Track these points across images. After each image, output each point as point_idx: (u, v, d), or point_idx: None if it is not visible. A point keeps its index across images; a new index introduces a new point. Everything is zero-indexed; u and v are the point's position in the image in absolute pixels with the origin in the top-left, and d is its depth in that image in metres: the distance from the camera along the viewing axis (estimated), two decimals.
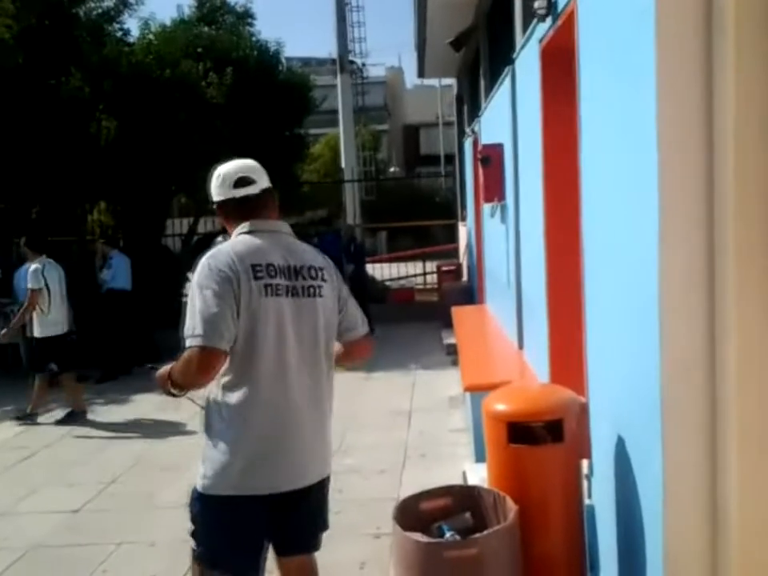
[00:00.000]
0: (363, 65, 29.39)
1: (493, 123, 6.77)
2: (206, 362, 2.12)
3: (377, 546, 3.97)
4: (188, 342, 2.13)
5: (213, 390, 2.28)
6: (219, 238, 12.20)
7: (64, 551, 4.12)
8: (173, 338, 11.32)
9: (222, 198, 2.40)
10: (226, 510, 2.25)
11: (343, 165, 15.22)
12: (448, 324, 8.66)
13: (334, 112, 15.66)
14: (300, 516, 2.40)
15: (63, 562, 4.01)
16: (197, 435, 7.02)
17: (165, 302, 11.31)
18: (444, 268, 12.14)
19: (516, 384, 3.91)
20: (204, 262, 2.24)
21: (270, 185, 2.46)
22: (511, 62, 5.30)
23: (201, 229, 14.14)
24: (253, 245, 2.28)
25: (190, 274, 2.31)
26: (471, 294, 10.26)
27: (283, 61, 13.29)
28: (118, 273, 9.42)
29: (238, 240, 2.32)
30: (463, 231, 12.73)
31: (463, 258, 12.53)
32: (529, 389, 3.30)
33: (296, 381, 2.27)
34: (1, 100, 9.28)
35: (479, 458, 4.33)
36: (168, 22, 12.26)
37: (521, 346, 5.42)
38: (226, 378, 2.24)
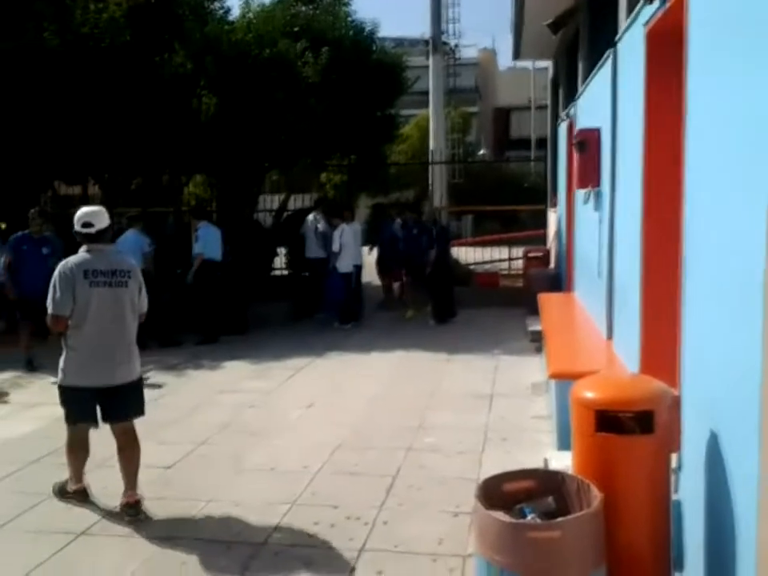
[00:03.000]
0: (456, 46, 29.11)
1: (591, 107, 6.62)
2: (53, 321, 4.16)
3: (455, 523, 4.02)
4: (48, 310, 4.15)
5: (67, 331, 4.20)
6: (310, 216, 12.39)
7: (157, 503, 4.36)
8: (262, 310, 11.62)
9: (76, 229, 4.28)
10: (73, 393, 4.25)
11: (432, 146, 15.15)
12: (533, 311, 8.55)
13: (425, 93, 15.54)
14: (117, 401, 4.27)
15: (156, 514, 4.25)
16: (283, 402, 7.21)
17: (255, 275, 11.61)
18: (531, 254, 11.92)
19: (606, 372, 3.85)
20: (59, 267, 4.17)
21: (106, 224, 4.32)
22: (613, 45, 5.16)
23: (291, 205, 14.43)
24: (86, 258, 4.21)
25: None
26: (558, 282, 10.09)
27: (377, 41, 13.30)
28: (206, 243, 9.63)
29: (79, 255, 4.23)
30: (552, 217, 12.50)
31: (551, 245, 12.31)
32: (619, 378, 3.24)
33: (109, 325, 4.20)
34: (109, 76, 9.71)
35: (562, 446, 4.31)
36: (267, 1, 12.49)
37: (610, 336, 5.32)
38: (72, 325, 4.17)
